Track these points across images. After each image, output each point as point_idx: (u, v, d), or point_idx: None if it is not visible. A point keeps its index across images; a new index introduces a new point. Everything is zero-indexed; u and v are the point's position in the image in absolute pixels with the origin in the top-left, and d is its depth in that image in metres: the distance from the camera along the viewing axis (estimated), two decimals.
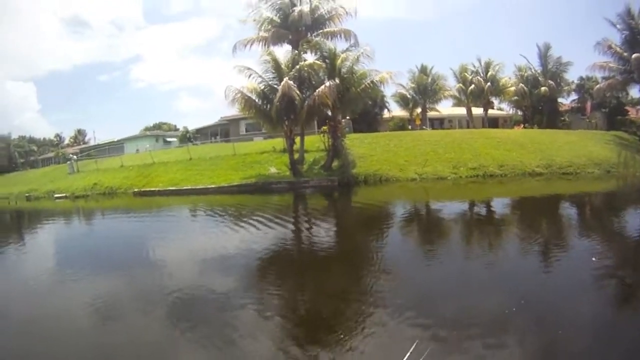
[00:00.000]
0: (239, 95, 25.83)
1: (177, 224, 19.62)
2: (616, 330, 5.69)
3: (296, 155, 28.91)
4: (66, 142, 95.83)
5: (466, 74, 49.85)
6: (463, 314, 6.39)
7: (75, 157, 55.79)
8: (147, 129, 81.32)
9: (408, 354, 3.98)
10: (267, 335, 6.32)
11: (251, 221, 16.13)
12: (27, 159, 79.64)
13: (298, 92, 25.17)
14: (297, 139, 29.22)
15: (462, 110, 53.00)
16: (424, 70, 49.80)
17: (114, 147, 65.91)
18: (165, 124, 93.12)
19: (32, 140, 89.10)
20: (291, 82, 24.75)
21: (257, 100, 26.64)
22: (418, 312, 6.53)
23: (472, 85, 47.71)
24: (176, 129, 76.74)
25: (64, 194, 38.49)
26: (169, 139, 66.57)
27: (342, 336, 6.09)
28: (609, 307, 6.72)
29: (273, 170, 29.17)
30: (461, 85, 49.67)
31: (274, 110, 25.55)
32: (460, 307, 6.75)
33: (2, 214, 37.10)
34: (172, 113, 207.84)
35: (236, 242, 13.05)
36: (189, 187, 29.18)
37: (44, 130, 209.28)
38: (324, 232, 14.45)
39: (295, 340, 6.16)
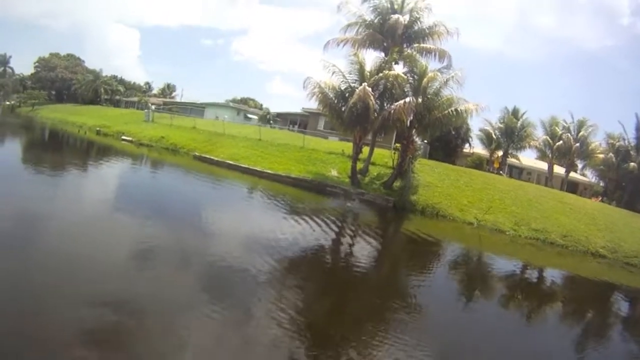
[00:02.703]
0: (317, 89, 25.97)
1: (232, 196, 22.33)
2: None
3: (361, 165, 28.66)
4: (154, 92, 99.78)
5: (556, 127, 47.88)
6: None
7: (153, 107, 58.20)
8: (233, 100, 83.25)
9: None
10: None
11: (295, 216, 17.43)
12: (112, 97, 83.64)
13: (374, 100, 24.92)
14: (367, 149, 28.84)
15: (543, 165, 51.13)
16: (515, 113, 48.31)
17: (195, 109, 68.73)
18: (252, 100, 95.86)
19: (121, 82, 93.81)
20: (369, 89, 24.37)
21: (333, 99, 26.63)
22: None
23: (560, 142, 45.76)
24: (261, 108, 78.03)
25: (130, 138, 40.68)
26: (249, 115, 68.74)
27: None
28: None
29: (334, 173, 29.18)
30: (548, 138, 47.65)
31: (347, 113, 25.38)
32: None
33: (73, 141, 39.67)
34: (261, 92, 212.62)
35: (274, 229, 14.39)
36: (246, 166, 30.02)
37: (137, 76, 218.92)
38: (360, 249, 14.81)
39: None
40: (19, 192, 13.83)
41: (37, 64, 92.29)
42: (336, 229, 17.08)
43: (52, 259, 8.37)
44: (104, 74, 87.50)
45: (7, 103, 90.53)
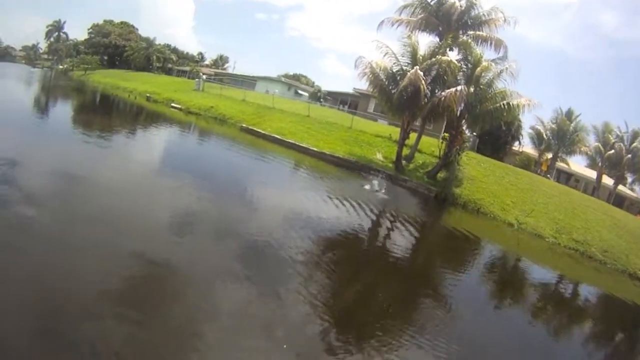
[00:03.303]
0: (368, 69, 25.76)
1: (274, 170, 22.50)
2: None
3: (407, 152, 28.56)
4: (206, 62, 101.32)
5: (609, 135, 46.41)
6: None
7: (204, 77, 58.81)
8: (286, 75, 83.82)
9: None
10: None
11: (336, 196, 17.63)
12: (164, 66, 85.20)
13: (425, 85, 24.66)
14: (415, 136, 28.65)
15: (592, 174, 49.69)
16: (568, 114, 47.29)
17: (247, 82, 69.60)
18: (304, 76, 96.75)
19: (174, 51, 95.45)
20: (421, 73, 24.08)
21: (384, 80, 26.29)
22: None
23: (612, 151, 44.45)
24: (312, 86, 78.41)
25: (179, 106, 41.60)
26: (300, 92, 69.34)
27: None
28: None
29: (379, 156, 29.20)
30: (600, 146, 46.37)
31: (397, 96, 25.18)
32: None
33: (122, 106, 41.28)
34: (314, 70, 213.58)
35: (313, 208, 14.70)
36: (292, 141, 30.47)
37: (190, 46, 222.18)
38: (396, 237, 14.86)
39: None
40: (72, 152, 14.83)
41: (90, 30, 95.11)
42: (373, 215, 17.14)
43: (95, 214, 9.09)
44: (156, 43, 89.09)
45: (61, 67, 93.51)
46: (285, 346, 6.17)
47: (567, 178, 52.50)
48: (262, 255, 9.08)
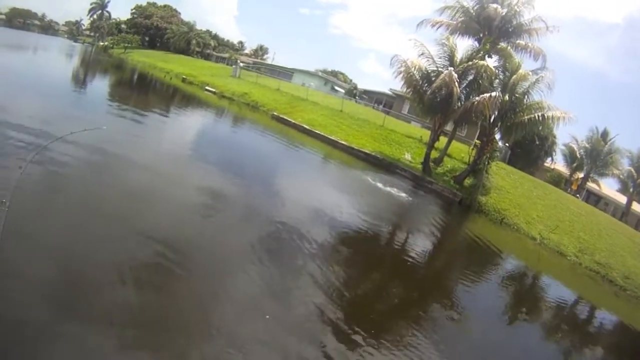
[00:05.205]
0: (403, 68, 26.05)
1: (298, 158, 23.04)
2: None
3: (437, 155, 28.66)
4: (246, 51, 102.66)
5: None
6: None
7: (242, 64, 59.63)
8: (324, 71, 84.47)
9: None
10: None
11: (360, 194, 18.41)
12: (203, 51, 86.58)
13: (459, 88, 25.00)
14: (445, 140, 28.78)
15: (622, 199, 48.80)
16: (604, 135, 46.47)
17: (284, 73, 70.69)
18: (341, 74, 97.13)
19: (215, 37, 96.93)
20: (455, 75, 24.43)
21: (418, 80, 26.48)
22: None
23: None
24: (350, 83, 78.86)
25: (213, 90, 42.58)
26: (336, 88, 69.86)
27: None
28: None
29: (407, 156, 29.55)
30: (633, 170, 45.59)
31: (429, 97, 25.46)
32: None
33: (158, 85, 42.80)
34: (353, 68, 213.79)
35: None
36: (321, 133, 31.16)
37: (232, 35, 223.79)
38: (416, 239, 15.17)
39: None
40: (108, 126, 15.30)
41: (133, 10, 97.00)
42: (395, 214, 17.56)
43: (120, 190, 9.74)
44: (197, 28, 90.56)
45: (102, 43, 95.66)
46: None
47: (597, 200, 51.74)
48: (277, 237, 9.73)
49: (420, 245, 14.42)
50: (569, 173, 48.57)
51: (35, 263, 5.94)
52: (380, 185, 21.26)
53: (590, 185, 48.39)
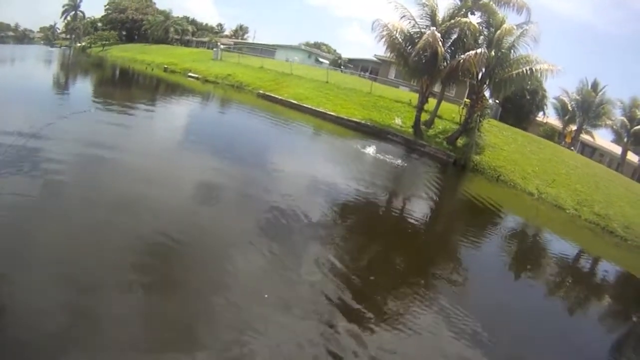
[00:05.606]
0: (385, 32, 25.75)
1: (287, 133, 23.04)
2: None
3: (427, 117, 28.45)
4: (226, 33, 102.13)
5: (636, 110, 45.37)
6: None
7: (222, 46, 59.47)
8: (307, 44, 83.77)
9: None
10: None
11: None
12: (182, 37, 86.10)
13: (444, 48, 24.74)
14: (435, 101, 28.56)
15: (617, 149, 48.91)
16: (594, 86, 46.41)
17: (266, 50, 70.51)
18: (325, 45, 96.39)
19: (193, 22, 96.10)
20: (438, 34, 24.13)
21: (402, 43, 26.21)
22: None
23: (638, 126, 43.78)
24: (334, 53, 78.59)
25: (196, 75, 42.48)
26: (321, 59, 69.94)
27: None
28: None
29: (397, 121, 29.28)
30: (626, 120, 45.55)
31: (413, 59, 25.21)
32: None
33: (139, 78, 42.88)
34: (336, 38, 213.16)
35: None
36: (309, 106, 31.02)
37: (210, 17, 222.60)
38: (414, 202, 15.29)
39: None
40: (94, 123, 15.28)
41: (107, 6, 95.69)
42: (390, 180, 17.52)
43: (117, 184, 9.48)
44: (174, 15, 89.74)
45: (79, 44, 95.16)
46: None
47: (592, 152, 51.74)
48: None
49: (418, 208, 14.44)
50: (561, 126, 48.40)
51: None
52: (372, 152, 21.08)
53: (584, 137, 48.40)
